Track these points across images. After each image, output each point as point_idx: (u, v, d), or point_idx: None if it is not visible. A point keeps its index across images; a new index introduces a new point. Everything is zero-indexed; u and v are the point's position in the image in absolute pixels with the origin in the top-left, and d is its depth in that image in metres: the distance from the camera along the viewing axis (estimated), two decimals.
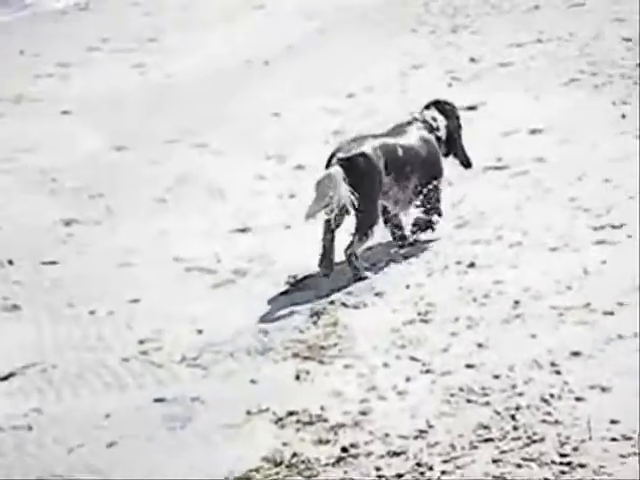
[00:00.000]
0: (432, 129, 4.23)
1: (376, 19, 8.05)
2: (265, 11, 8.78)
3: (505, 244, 4.18)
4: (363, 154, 3.93)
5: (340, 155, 3.95)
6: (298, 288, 4.09)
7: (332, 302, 3.93)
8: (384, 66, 6.81)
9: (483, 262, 4.05)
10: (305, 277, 4.14)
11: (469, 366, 3.41)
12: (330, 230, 4.02)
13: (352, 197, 3.86)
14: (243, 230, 4.65)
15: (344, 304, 3.90)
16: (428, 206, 4.22)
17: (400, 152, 4.06)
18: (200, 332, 3.84)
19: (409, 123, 4.25)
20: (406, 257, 4.20)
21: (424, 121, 4.24)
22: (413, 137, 4.16)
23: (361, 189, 3.87)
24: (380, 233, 4.26)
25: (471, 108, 5.84)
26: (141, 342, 3.79)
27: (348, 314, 3.83)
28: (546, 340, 3.48)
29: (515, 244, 4.16)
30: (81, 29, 8.25)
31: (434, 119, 4.26)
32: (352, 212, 3.94)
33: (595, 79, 5.93)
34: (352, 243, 4.01)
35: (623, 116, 5.32)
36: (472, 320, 3.67)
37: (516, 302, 3.74)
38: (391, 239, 4.34)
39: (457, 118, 4.36)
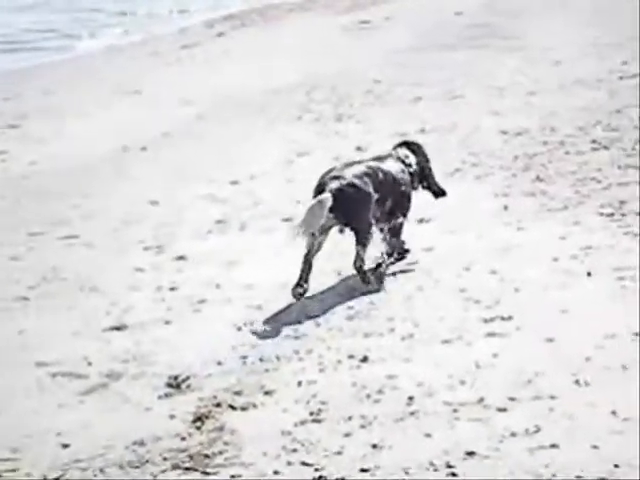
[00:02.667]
0: (405, 164, 4.87)
1: (258, 106, 8.23)
2: (141, 97, 8.78)
3: (397, 336, 4.19)
4: (352, 184, 4.54)
5: (333, 185, 4.53)
6: (179, 390, 3.87)
7: (218, 404, 3.74)
8: (268, 153, 6.91)
9: (376, 356, 4.03)
10: (187, 377, 3.95)
11: (364, 470, 3.31)
12: (310, 254, 4.58)
13: (340, 220, 4.52)
14: (118, 328, 4.41)
15: (231, 406, 3.73)
16: (387, 241, 4.82)
17: (383, 176, 4.69)
18: (66, 446, 3.51)
19: (387, 156, 4.88)
20: (297, 351, 4.15)
21: (398, 157, 4.89)
22: (393, 167, 4.81)
23: (353, 210, 4.54)
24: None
25: None
26: None
27: (235, 417, 3.66)
28: (441, 439, 3.45)
29: (407, 336, 4.18)
30: None
31: (406, 156, 4.91)
32: (345, 230, 4.59)
33: (476, 170, 6.27)
34: (358, 255, 4.60)
35: (505, 207, 5.63)
36: (366, 419, 3.61)
37: (410, 398, 3.73)
38: (280, 335, 4.30)
39: (424, 155, 5.01)
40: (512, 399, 3.66)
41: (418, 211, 5.34)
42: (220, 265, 5.13)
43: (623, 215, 5.27)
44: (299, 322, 4.41)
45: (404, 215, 4.82)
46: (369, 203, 4.57)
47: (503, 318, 4.25)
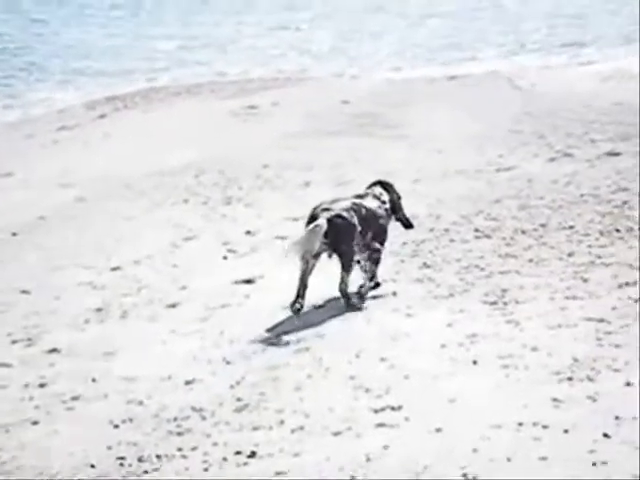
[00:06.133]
0: (380, 201, 5.74)
1: (140, 189, 8.15)
2: (13, 179, 8.52)
3: (287, 429, 4.14)
4: (340, 215, 5.42)
5: (325, 215, 5.39)
6: None
7: None
8: (152, 237, 6.82)
9: (264, 451, 3.95)
10: None
11: None
12: (305, 275, 5.36)
13: (330, 246, 5.34)
14: None
15: None
16: (367, 269, 5.61)
17: (364, 212, 5.57)
18: None
19: (365, 195, 5.73)
20: (180, 449, 3.99)
21: (374, 194, 5.74)
22: (372, 203, 5.68)
23: (341, 237, 5.38)
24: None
25: (248, 281, 6.01)
26: None
27: None
28: None
29: (297, 429, 4.13)
30: None
31: (381, 194, 5.78)
32: (333, 256, 5.44)
33: None
34: (342, 279, 5.43)
35: (394, 294, 5.77)
36: None
37: None
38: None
39: (396, 192, 5.91)
40: None
41: (311, 298, 5.38)
42: (97, 357, 4.93)
43: (505, 304, 5.49)
44: (183, 417, 4.28)
45: (382, 244, 5.65)
46: (354, 233, 5.42)
47: (393, 408, 4.28)
